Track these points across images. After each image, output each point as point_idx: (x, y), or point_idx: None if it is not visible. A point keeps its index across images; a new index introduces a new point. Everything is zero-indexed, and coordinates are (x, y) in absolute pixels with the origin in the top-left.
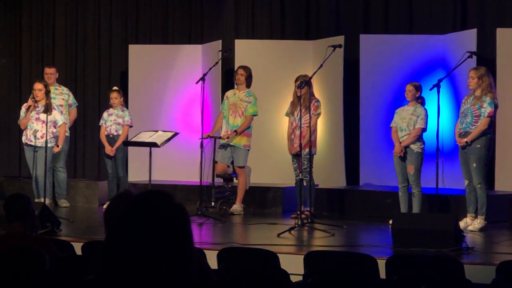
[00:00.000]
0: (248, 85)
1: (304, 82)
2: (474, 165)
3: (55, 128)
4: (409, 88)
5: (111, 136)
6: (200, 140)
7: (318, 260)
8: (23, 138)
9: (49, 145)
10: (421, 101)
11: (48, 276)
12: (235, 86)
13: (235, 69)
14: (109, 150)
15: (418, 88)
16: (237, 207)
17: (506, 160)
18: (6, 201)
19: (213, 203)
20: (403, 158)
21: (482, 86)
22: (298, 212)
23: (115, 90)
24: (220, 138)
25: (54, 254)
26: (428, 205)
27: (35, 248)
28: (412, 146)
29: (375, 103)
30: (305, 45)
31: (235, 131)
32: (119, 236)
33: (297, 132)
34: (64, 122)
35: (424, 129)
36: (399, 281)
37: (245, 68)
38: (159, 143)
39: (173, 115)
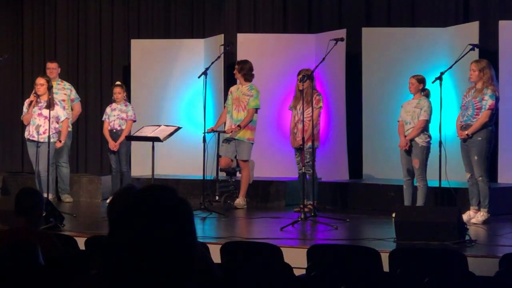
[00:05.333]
0: (248, 79)
1: (306, 76)
2: (476, 158)
3: (57, 123)
4: (412, 81)
5: (114, 131)
6: (203, 134)
7: (321, 254)
8: (26, 134)
9: (51, 140)
10: (426, 93)
11: (44, 269)
12: (238, 81)
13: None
14: (112, 145)
15: (421, 81)
16: (240, 201)
17: (509, 152)
18: (17, 194)
19: (217, 197)
20: (408, 152)
21: (483, 78)
22: (301, 206)
23: (118, 85)
24: (223, 132)
25: (58, 249)
26: (431, 198)
27: (27, 242)
28: (417, 139)
29: (378, 96)
30: (307, 39)
31: (238, 125)
32: (122, 231)
33: (300, 126)
34: (66, 118)
35: (427, 121)
36: (403, 274)
37: (239, 63)
38: (162, 138)
39: (176, 109)
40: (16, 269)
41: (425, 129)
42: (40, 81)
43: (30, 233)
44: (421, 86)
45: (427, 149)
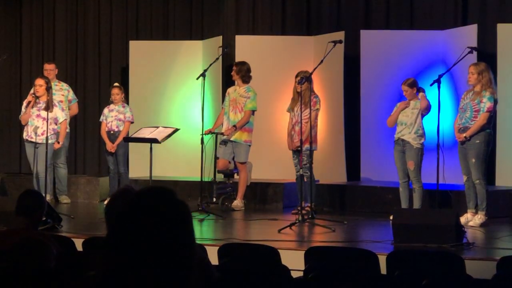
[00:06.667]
0: (245, 80)
1: (304, 78)
2: (473, 160)
3: (56, 124)
4: (404, 88)
5: (112, 132)
6: (201, 136)
7: (318, 256)
8: (24, 135)
9: (49, 141)
10: (422, 92)
11: (53, 270)
12: (235, 83)
13: None
14: (110, 146)
15: (413, 85)
16: (238, 202)
17: (506, 155)
18: (21, 195)
19: (214, 199)
20: (403, 154)
21: (482, 81)
22: (299, 208)
23: (116, 86)
24: (221, 134)
25: (55, 250)
26: (429, 200)
27: (42, 241)
28: (411, 141)
29: (376, 98)
30: (306, 41)
31: (234, 126)
32: (120, 233)
33: (297, 128)
34: (65, 119)
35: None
36: (400, 277)
37: (237, 64)
38: (159, 139)
39: (174, 111)
40: (25, 269)
41: (422, 131)
42: (39, 82)
43: (28, 233)
44: (415, 90)
45: (421, 150)
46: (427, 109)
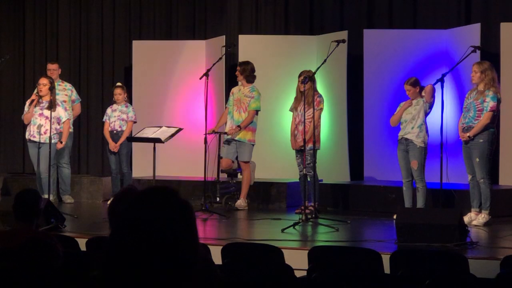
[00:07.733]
0: (250, 80)
1: (307, 78)
2: (477, 159)
3: (58, 124)
4: (407, 88)
5: (115, 132)
6: (204, 135)
7: (322, 255)
8: (27, 134)
9: (52, 141)
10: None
11: (60, 270)
12: (239, 83)
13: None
14: (112, 146)
15: (415, 84)
16: (241, 202)
17: (510, 154)
18: (15, 197)
19: (218, 199)
20: (406, 153)
21: (485, 80)
22: (302, 207)
23: (119, 86)
24: (224, 133)
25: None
26: (433, 200)
27: (49, 241)
28: (415, 140)
29: (379, 98)
30: (309, 40)
31: (238, 126)
32: (123, 232)
33: (300, 128)
34: (68, 119)
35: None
36: (404, 276)
37: (241, 64)
38: (163, 139)
39: (177, 110)
40: (32, 269)
41: (425, 129)
42: (43, 81)
43: (33, 233)
44: (417, 89)
45: (424, 150)
46: (432, 96)
